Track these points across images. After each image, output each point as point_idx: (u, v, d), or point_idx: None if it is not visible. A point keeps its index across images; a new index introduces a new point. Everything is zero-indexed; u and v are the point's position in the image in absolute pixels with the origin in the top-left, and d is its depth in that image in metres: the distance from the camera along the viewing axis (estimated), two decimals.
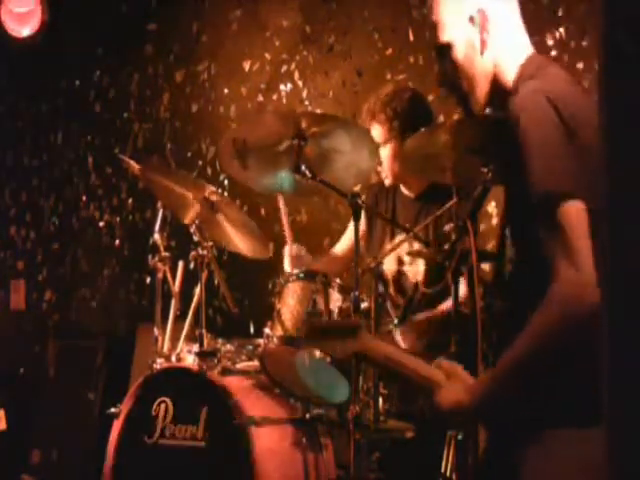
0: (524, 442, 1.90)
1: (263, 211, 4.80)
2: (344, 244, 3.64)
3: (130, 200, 5.40)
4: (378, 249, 3.43)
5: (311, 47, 4.78)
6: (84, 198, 5.59)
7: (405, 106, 3.39)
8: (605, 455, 0.95)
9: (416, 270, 3.36)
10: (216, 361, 3.21)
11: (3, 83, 5.80)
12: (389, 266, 3.43)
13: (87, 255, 5.57)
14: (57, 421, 4.89)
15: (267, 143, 3.07)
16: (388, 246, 3.39)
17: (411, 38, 4.40)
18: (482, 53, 2.06)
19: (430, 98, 3.73)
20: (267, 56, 4.92)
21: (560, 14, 3.97)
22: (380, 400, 2.81)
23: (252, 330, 4.39)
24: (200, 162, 5.12)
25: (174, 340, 3.49)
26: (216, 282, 3.78)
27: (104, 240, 5.49)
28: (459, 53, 2.09)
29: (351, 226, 3.26)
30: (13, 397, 5.09)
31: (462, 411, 1.93)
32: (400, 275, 3.43)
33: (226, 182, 4.97)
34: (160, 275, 3.43)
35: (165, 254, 3.43)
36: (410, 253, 3.29)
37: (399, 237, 3.38)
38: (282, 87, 4.86)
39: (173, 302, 3.59)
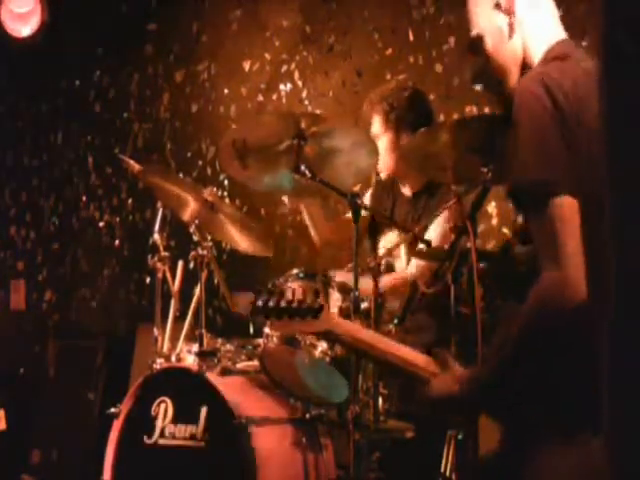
0: (528, 443, 1.90)
1: (263, 211, 4.81)
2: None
3: (130, 200, 5.40)
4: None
5: (311, 47, 4.78)
6: (84, 198, 5.59)
7: (403, 101, 3.44)
8: (605, 455, 0.95)
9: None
10: (216, 361, 3.21)
11: (3, 83, 5.81)
12: (400, 264, 3.43)
13: (87, 255, 5.57)
14: (57, 421, 4.89)
15: (267, 143, 3.07)
16: (388, 245, 3.39)
17: (411, 38, 4.40)
18: (510, 37, 2.04)
19: (430, 98, 3.73)
20: (267, 56, 4.92)
21: (560, 14, 3.97)
22: (380, 400, 2.81)
23: (252, 330, 4.39)
24: (200, 162, 5.12)
25: (174, 340, 3.49)
26: (216, 282, 3.78)
27: (104, 240, 5.49)
28: (488, 43, 2.07)
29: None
30: (13, 397, 5.09)
31: (453, 401, 1.93)
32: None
33: (226, 182, 4.98)
34: (160, 275, 3.43)
35: (165, 254, 3.43)
36: (410, 253, 3.29)
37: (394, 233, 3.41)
38: (282, 87, 4.86)
39: (173, 302, 3.59)
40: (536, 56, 2.03)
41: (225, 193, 4.96)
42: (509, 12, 2.05)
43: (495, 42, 2.06)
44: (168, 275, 3.50)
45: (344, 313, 2.91)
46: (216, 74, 5.13)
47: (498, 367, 1.86)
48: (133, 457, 3.17)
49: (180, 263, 3.64)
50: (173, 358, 3.30)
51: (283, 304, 1.98)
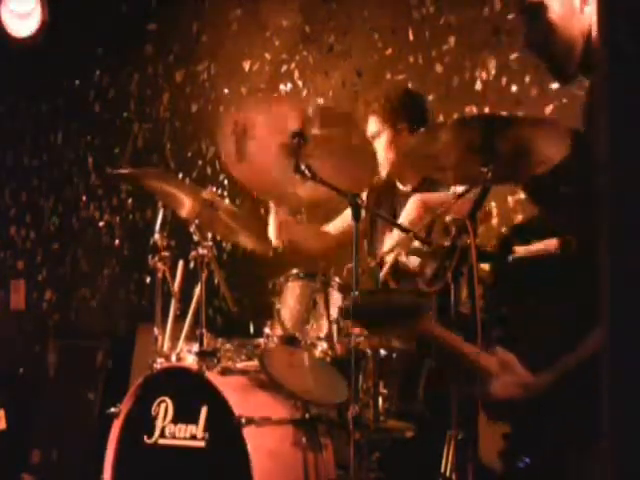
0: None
1: (263, 211, 4.81)
2: (339, 224, 3.66)
3: (130, 200, 5.40)
4: (380, 244, 3.44)
5: (311, 47, 4.78)
6: (84, 198, 5.59)
7: (397, 98, 3.47)
8: (605, 455, 0.95)
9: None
10: (216, 361, 3.21)
11: (3, 83, 5.81)
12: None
13: (87, 255, 5.57)
14: (57, 421, 4.89)
15: (269, 132, 3.01)
16: (389, 245, 3.39)
17: (411, 38, 4.40)
18: (582, 11, 1.94)
19: (430, 98, 3.73)
20: (267, 56, 4.92)
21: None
22: (380, 400, 2.81)
23: (252, 330, 4.39)
24: (200, 162, 5.12)
25: (174, 340, 3.49)
26: (216, 282, 3.78)
27: (104, 240, 5.49)
28: (554, 13, 1.95)
29: (348, 210, 3.24)
30: (13, 397, 5.10)
31: (514, 405, 1.91)
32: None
33: (226, 182, 4.98)
34: (160, 275, 3.43)
35: (165, 254, 3.43)
36: (410, 252, 3.29)
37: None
38: (282, 87, 4.86)
39: (173, 302, 3.59)
40: None
41: (225, 193, 4.97)
42: None
43: (564, 12, 1.95)
44: (168, 275, 3.50)
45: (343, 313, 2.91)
46: (216, 74, 5.14)
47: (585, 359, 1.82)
48: (133, 457, 3.17)
49: (180, 263, 3.64)
50: (173, 358, 3.30)
51: None
